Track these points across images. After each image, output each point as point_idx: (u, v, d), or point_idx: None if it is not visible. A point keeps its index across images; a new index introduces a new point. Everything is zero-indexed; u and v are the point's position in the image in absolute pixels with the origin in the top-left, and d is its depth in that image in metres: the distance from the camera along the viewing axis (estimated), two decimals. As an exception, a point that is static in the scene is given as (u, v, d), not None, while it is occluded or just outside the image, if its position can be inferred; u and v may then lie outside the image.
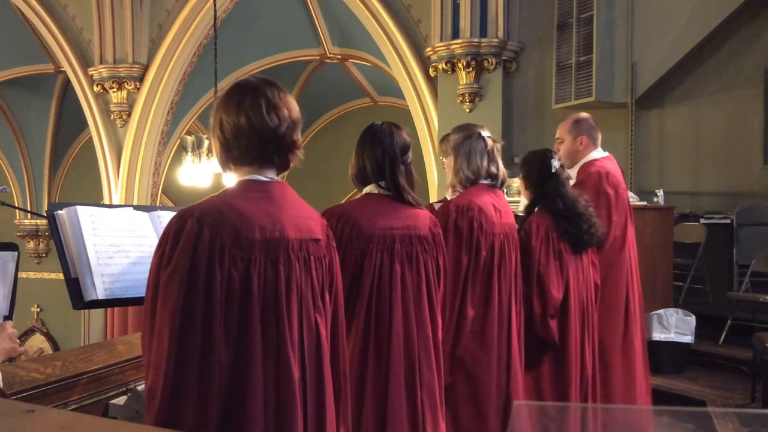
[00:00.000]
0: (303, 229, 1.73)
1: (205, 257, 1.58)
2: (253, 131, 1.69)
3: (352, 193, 11.64)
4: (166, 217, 2.19)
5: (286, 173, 1.90)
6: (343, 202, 2.81)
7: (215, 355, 1.55)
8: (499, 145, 2.87)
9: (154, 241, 2.15)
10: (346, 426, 1.87)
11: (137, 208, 2.24)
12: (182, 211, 1.67)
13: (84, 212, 1.94)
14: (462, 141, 2.85)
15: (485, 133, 2.84)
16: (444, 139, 3.07)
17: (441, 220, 2.64)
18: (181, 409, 1.53)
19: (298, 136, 1.78)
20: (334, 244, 1.88)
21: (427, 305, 2.33)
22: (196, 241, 1.59)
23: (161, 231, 2.16)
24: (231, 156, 1.73)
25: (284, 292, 1.65)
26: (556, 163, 3.12)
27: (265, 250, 1.64)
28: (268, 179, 1.74)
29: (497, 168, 2.83)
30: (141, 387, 1.91)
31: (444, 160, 3.02)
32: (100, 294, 1.91)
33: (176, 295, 1.56)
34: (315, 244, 1.76)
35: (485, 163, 2.80)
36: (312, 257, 1.74)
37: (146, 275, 1.70)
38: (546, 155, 3.17)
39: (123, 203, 8.85)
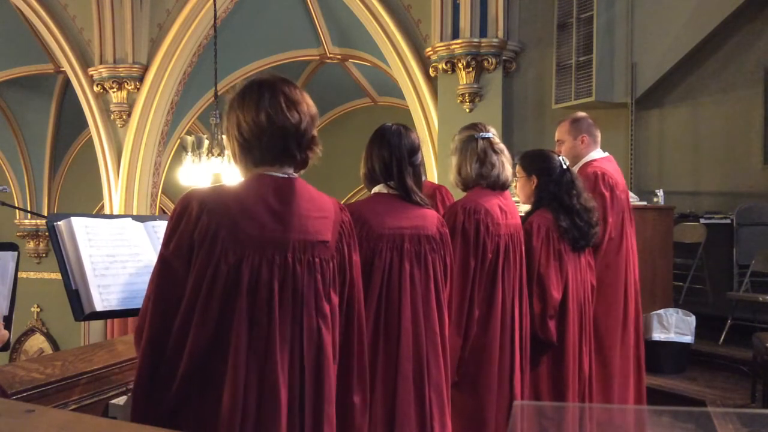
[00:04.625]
0: (309, 230, 1.69)
1: (199, 241, 1.59)
2: (274, 129, 1.67)
3: (352, 192, 11.65)
4: (162, 227, 2.16)
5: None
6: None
7: (187, 340, 1.58)
8: (498, 147, 2.83)
9: (149, 252, 2.14)
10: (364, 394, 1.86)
11: (134, 218, 2.22)
12: (189, 192, 1.66)
13: (79, 223, 1.93)
14: (459, 142, 2.86)
15: (485, 134, 2.82)
16: (453, 139, 3.07)
17: (448, 222, 2.64)
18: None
19: (316, 132, 1.76)
20: (350, 242, 1.83)
21: (435, 303, 2.35)
22: (196, 223, 1.59)
23: (157, 241, 2.15)
24: (252, 157, 1.70)
25: (278, 292, 1.62)
26: (564, 160, 3.14)
27: (261, 248, 1.62)
28: (283, 176, 1.70)
29: (492, 169, 2.79)
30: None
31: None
32: (98, 306, 1.91)
33: (173, 274, 1.60)
34: (321, 246, 1.72)
35: (476, 165, 2.79)
36: (317, 259, 1.70)
37: (143, 286, 1.69)
38: (552, 152, 3.19)
39: (123, 203, 8.86)
